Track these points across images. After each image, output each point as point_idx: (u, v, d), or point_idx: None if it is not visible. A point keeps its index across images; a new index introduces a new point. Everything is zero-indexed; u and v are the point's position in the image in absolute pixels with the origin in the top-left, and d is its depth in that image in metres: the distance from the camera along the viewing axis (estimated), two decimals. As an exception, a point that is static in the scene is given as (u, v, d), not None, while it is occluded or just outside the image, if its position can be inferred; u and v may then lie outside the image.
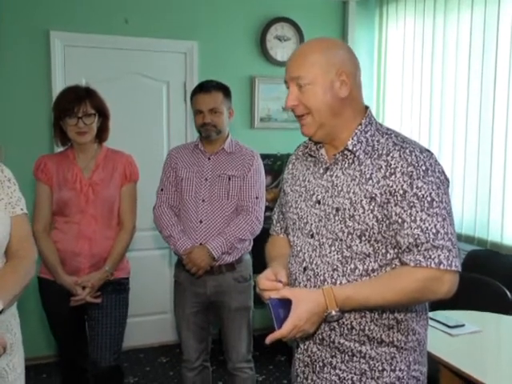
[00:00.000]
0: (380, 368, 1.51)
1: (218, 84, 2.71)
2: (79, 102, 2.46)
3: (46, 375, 3.62)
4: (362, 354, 1.51)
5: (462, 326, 2.46)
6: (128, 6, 3.98)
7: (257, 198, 2.68)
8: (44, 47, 3.81)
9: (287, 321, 1.41)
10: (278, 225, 1.81)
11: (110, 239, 2.56)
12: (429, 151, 1.50)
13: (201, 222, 2.64)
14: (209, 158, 2.70)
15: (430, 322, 2.45)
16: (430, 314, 2.56)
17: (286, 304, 1.44)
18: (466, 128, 3.68)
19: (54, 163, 2.55)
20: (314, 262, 1.55)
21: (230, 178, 2.66)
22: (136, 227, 2.67)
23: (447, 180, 1.50)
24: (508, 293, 2.79)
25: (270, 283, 1.52)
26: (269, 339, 1.45)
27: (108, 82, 3.91)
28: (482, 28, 3.52)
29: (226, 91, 2.70)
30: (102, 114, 2.57)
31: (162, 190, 2.77)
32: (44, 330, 3.33)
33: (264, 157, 3.76)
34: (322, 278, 1.52)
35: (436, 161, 1.49)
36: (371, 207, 1.46)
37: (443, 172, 1.49)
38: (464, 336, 2.39)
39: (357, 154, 1.50)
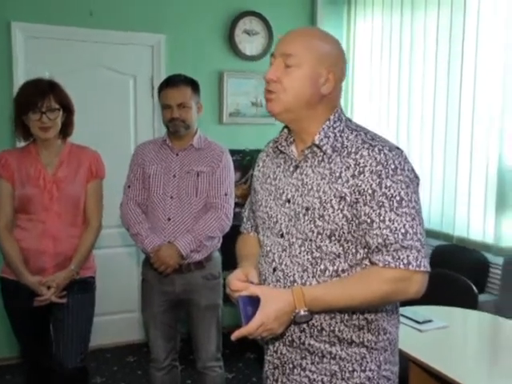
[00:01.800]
0: (350, 369, 1.50)
1: (187, 78, 2.66)
2: (43, 96, 2.38)
3: (10, 376, 3.53)
4: (333, 355, 1.50)
5: (430, 321, 2.49)
6: (92, -3, 3.90)
7: (226, 194, 2.64)
8: (5, 39, 3.70)
9: (254, 317, 1.38)
10: (249, 223, 1.78)
11: (76, 237, 2.49)
12: (398, 149, 1.49)
13: (169, 219, 2.59)
14: (177, 154, 2.66)
15: (400, 319, 2.49)
16: (400, 311, 2.59)
17: (254, 302, 1.41)
18: (432, 123, 3.72)
19: (15, 159, 2.47)
20: (284, 263, 1.52)
21: (198, 175, 2.61)
22: (102, 225, 2.61)
23: (417, 178, 1.49)
24: (474, 288, 2.83)
25: (241, 284, 1.49)
26: (235, 335, 1.41)
27: (72, 74, 3.81)
28: (448, 23, 3.56)
29: (194, 86, 2.65)
30: (67, 108, 2.49)
31: (128, 186, 2.71)
32: (5, 330, 3.24)
33: (233, 152, 3.71)
34: (291, 278, 1.50)
35: (405, 159, 1.47)
36: (341, 207, 1.43)
37: (413, 170, 1.48)
38: (432, 331, 2.42)
39: (323, 148, 1.47)
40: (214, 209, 2.61)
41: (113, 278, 3.88)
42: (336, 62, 1.48)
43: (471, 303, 2.77)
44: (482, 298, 2.89)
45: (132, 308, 4.07)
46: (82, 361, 2.49)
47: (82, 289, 2.51)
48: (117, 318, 4.07)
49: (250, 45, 4.40)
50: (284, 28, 4.30)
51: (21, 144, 2.66)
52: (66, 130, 2.51)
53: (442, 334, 2.42)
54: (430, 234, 3.78)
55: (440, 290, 2.89)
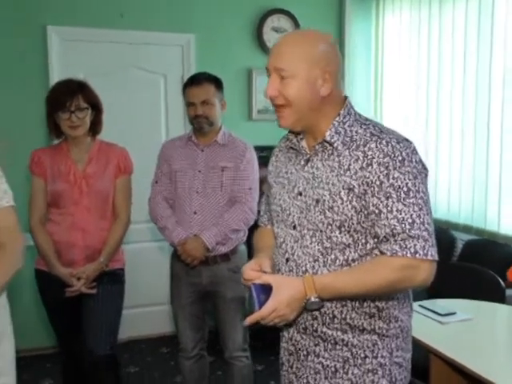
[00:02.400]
0: (362, 355, 1.54)
1: (210, 76, 2.72)
2: (72, 96, 2.48)
3: (50, 364, 3.69)
4: (345, 342, 1.54)
5: (454, 314, 2.48)
6: (124, 0, 4.00)
7: (250, 188, 2.70)
8: (41, 42, 3.85)
9: (267, 303, 1.44)
10: (265, 216, 1.83)
11: (105, 231, 2.59)
12: (407, 141, 1.51)
13: (195, 213, 2.67)
14: (202, 150, 2.73)
15: (421, 311, 2.51)
16: (422, 303, 2.60)
17: (267, 289, 1.46)
18: (462, 117, 3.69)
19: (47, 156, 2.58)
20: (296, 253, 1.57)
21: (223, 170, 2.68)
22: (131, 219, 2.70)
23: (425, 169, 1.51)
24: (501, 281, 2.80)
25: (254, 273, 1.55)
26: (248, 321, 1.48)
27: (105, 75, 3.96)
28: (477, 16, 3.52)
29: (217, 83, 2.71)
30: (95, 107, 2.59)
31: (156, 182, 2.80)
32: (44, 321, 3.37)
33: (262, 148, 3.79)
34: (303, 268, 1.55)
35: (414, 150, 1.49)
36: (349, 198, 1.47)
37: (421, 161, 1.50)
38: (454, 324, 2.41)
39: (335, 145, 1.51)
40: (239, 203, 2.67)
41: (146, 272, 3.99)
42: (328, 60, 1.51)
43: (498, 297, 2.75)
44: (509, 292, 2.85)
45: (165, 300, 4.17)
46: (112, 348, 2.59)
47: (111, 280, 2.61)
48: (150, 310, 4.18)
49: (278, 42, 4.44)
50: (312, 25, 4.38)
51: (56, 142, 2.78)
52: (95, 128, 2.61)
53: (465, 326, 2.41)
54: (462, 228, 3.77)
55: (466, 283, 2.89)
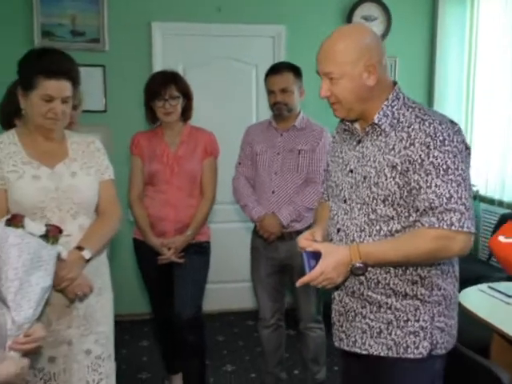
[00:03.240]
0: (405, 318, 1.68)
1: (289, 65, 2.92)
2: (166, 85, 2.78)
3: (147, 329, 4.10)
4: (388, 306, 1.69)
5: (524, 296, 2.50)
6: (220, -6, 4.29)
7: (325, 170, 2.86)
8: (146, 37, 4.23)
9: (316, 267, 1.63)
10: (326, 192, 2.01)
11: (193, 207, 2.88)
12: (452, 122, 1.63)
13: (273, 192, 2.89)
14: (281, 134, 2.94)
15: (490, 292, 2.55)
16: (493, 285, 2.64)
17: (317, 255, 1.65)
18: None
19: (145, 139, 2.92)
20: (346, 224, 1.74)
21: (299, 152, 2.87)
22: (216, 197, 2.98)
23: (467, 149, 1.62)
24: None
25: (306, 242, 1.74)
26: (299, 282, 1.67)
27: (202, 66, 4.30)
28: None
29: (296, 71, 2.90)
30: (187, 96, 2.88)
31: (239, 163, 3.06)
32: (142, 289, 3.76)
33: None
34: (351, 238, 1.71)
35: (457, 131, 1.61)
36: (393, 175, 1.62)
37: (463, 142, 1.62)
38: (520, 305, 2.44)
39: (382, 127, 1.66)
40: (313, 183, 2.86)
41: (236, 250, 4.27)
42: (370, 53, 1.64)
43: None
44: None
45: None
46: (197, 312, 2.89)
47: (198, 251, 2.90)
48: (239, 286, 4.45)
49: (368, 30, 4.51)
50: (403, 12, 4.41)
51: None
52: (186, 114, 2.91)
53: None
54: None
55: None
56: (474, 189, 4.25)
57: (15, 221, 1.73)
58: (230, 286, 4.46)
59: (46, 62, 2.03)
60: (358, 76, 1.64)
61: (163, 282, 2.94)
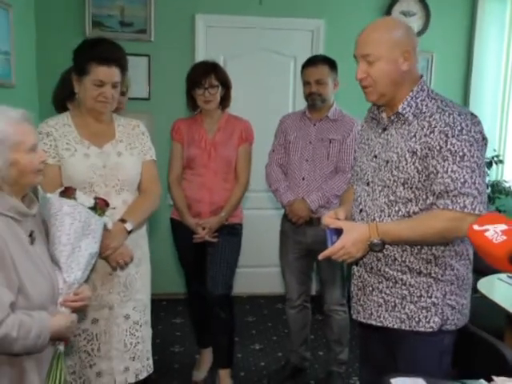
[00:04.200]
0: (418, 294, 1.81)
1: (325, 58, 3.06)
2: (206, 75, 2.95)
3: (181, 308, 4.31)
4: (403, 282, 1.82)
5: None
6: (262, -12, 4.43)
7: (355, 159, 2.99)
8: (190, 29, 4.42)
9: (337, 242, 1.77)
10: (352, 177, 2.15)
11: (227, 190, 3.05)
12: (472, 114, 1.75)
13: (303, 179, 3.04)
14: (314, 124, 3.08)
15: (508, 280, 2.64)
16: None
17: (339, 232, 1.80)
18: None
19: (185, 125, 3.09)
20: (367, 205, 1.88)
21: (330, 142, 3.01)
22: (249, 183, 3.14)
23: (484, 139, 1.74)
24: None
25: (329, 219, 1.88)
26: (321, 255, 1.82)
27: (243, 57, 4.47)
28: None
29: (331, 64, 3.03)
30: (225, 85, 3.04)
31: (273, 151, 3.21)
32: (178, 270, 3.97)
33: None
34: (372, 217, 1.85)
35: (475, 122, 1.73)
36: (413, 160, 1.75)
37: (481, 132, 1.74)
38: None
39: (406, 115, 1.79)
40: (342, 171, 2.99)
41: (269, 236, 4.42)
42: (406, 41, 1.78)
43: None
44: None
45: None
46: (228, 290, 3.06)
47: (230, 233, 3.08)
48: (271, 270, 4.59)
49: (406, 26, 4.57)
50: (443, 8, 4.44)
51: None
52: (224, 102, 3.07)
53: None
54: None
55: None
56: (507, 185, 4.30)
57: (68, 193, 1.93)
58: (260, 270, 4.64)
59: (99, 50, 2.24)
60: (393, 60, 1.77)
61: (197, 260, 3.12)
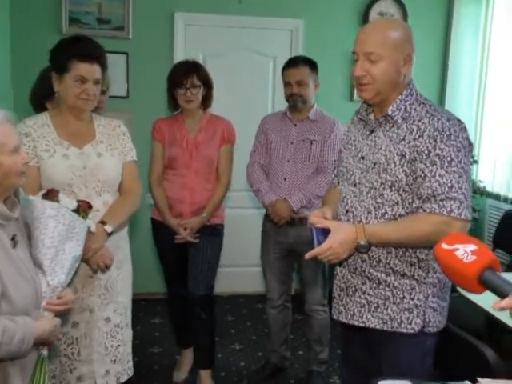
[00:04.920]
0: (401, 296, 1.83)
1: (306, 59, 3.07)
2: (187, 75, 2.94)
3: (159, 307, 4.28)
4: (387, 283, 1.84)
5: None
6: (242, -13, 4.42)
7: (335, 160, 3.01)
8: (169, 27, 4.38)
9: (325, 242, 1.78)
10: (336, 178, 2.16)
11: (209, 191, 3.04)
12: (459, 121, 1.78)
13: (285, 179, 3.05)
14: (295, 125, 3.09)
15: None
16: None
17: (325, 232, 1.80)
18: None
19: (166, 125, 3.07)
20: (354, 206, 1.89)
21: (311, 143, 3.02)
22: (231, 183, 3.14)
23: (470, 145, 1.78)
24: None
25: (316, 219, 1.88)
26: (307, 255, 1.83)
27: (222, 56, 4.45)
28: None
29: (312, 65, 3.05)
30: (207, 85, 3.03)
31: (254, 151, 3.21)
32: (157, 269, 3.94)
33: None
34: (358, 219, 1.87)
35: (462, 129, 1.76)
36: (401, 163, 1.77)
37: (467, 138, 1.77)
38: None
39: (395, 118, 1.81)
40: (324, 172, 3.01)
41: (246, 235, 4.42)
42: (410, 43, 1.81)
43: None
44: None
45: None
46: (209, 291, 3.06)
47: (212, 233, 3.07)
48: (250, 270, 4.61)
49: (384, 27, 4.61)
50: (419, 10, 4.51)
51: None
52: (206, 102, 3.06)
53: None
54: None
55: None
56: (481, 184, 4.38)
57: (51, 195, 1.91)
58: (241, 269, 4.64)
59: (79, 47, 2.22)
60: (395, 61, 1.78)
61: (179, 260, 3.10)
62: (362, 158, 1.90)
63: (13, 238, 1.69)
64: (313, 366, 3.28)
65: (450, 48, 4.71)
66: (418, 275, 1.82)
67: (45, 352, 1.76)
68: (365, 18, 4.57)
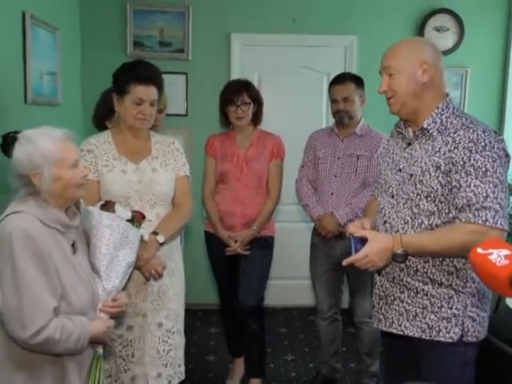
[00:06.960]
0: (439, 305, 1.87)
1: (352, 75, 3.15)
2: (238, 93, 3.08)
3: (215, 318, 4.42)
4: (425, 292, 1.88)
5: None
6: (295, 7, 4.54)
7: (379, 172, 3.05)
8: (226, 47, 4.57)
9: (361, 250, 1.84)
10: (376, 190, 2.22)
11: (259, 204, 3.15)
12: (495, 132, 1.82)
13: (332, 194, 3.12)
14: (342, 140, 3.16)
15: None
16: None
17: (363, 241, 1.87)
18: None
19: (218, 141, 3.22)
20: (391, 217, 1.95)
21: (358, 158, 3.08)
22: (280, 197, 3.24)
23: (507, 156, 1.81)
24: None
25: (354, 228, 1.95)
26: (345, 262, 1.89)
27: (277, 74, 4.59)
28: None
29: (358, 82, 3.12)
30: (257, 102, 3.16)
31: (303, 166, 3.30)
32: (212, 281, 4.07)
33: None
34: (396, 229, 1.92)
35: (498, 140, 1.79)
36: (437, 174, 1.82)
37: (504, 149, 1.80)
38: None
39: (430, 131, 1.87)
40: (370, 186, 3.04)
41: (301, 249, 4.49)
42: (425, 54, 1.88)
43: None
44: None
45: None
46: (259, 301, 3.15)
47: (263, 245, 3.17)
48: (302, 282, 4.62)
49: (439, 41, 4.57)
50: (476, 25, 4.47)
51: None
52: (256, 119, 3.19)
53: None
54: None
55: None
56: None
57: (108, 206, 2.07)
58: (292, 282, 4.70)
59: (137, 71, 2.40)
60: (412, 72, 1.87)
61: (230, 272, 3.22)
62: (400, 170, 1.96)
63: (73, 245, 1.86)
64: (363, 378, 3.30)
65: (510, 61, 4.63)
66: (456, 284, 1.85)
67: (100, 350, 1.92)
68: (420, 33, 4.57)
